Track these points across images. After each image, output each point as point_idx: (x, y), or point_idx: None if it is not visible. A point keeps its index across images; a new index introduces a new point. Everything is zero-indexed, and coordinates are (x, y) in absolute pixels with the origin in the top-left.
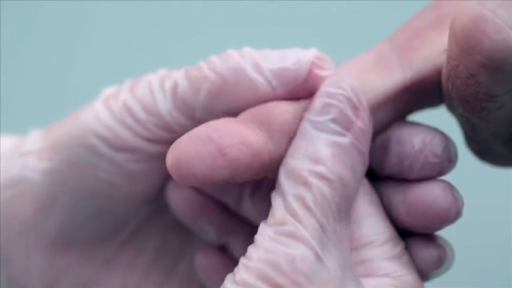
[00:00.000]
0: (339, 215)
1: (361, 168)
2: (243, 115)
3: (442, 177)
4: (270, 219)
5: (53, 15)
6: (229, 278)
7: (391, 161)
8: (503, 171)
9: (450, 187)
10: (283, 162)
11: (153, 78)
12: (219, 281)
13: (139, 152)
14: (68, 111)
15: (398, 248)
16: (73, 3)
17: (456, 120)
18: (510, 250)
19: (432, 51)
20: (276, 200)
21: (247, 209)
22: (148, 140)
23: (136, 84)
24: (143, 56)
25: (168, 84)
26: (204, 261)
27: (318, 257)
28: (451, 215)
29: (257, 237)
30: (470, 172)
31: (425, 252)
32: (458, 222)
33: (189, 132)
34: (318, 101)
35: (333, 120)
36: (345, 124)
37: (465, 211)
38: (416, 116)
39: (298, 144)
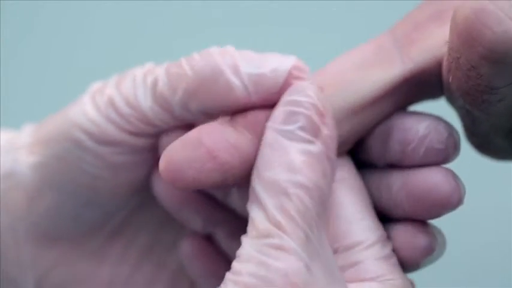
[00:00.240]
0: (319, 222)
1: (332, 174)
2: (233, 118)
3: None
4: (251, 232)
5: (53, 15)
6: None
7: (392, 148)
8: (503, 171)
9: (452, 173)
10: (256, 173)
11: (138, 73)
12: (204, 269)
13: (123, 145)
14: None
15: (387, 249)
16: (73, 3)
17: (456, 112)
18: (510, 250)
19: (432, 43)
20: (256, 212)
21: (235, 200)
22: (132, 133)
23: (122, 79)
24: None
25: (150, 80)
26: (189, 249)
27: (308, 268)
28: (453, 201)
29: (241, 251)
30: (470, 172)
31: (416, 239)
32: (458, 222)
33: (181, 137)
34: (284, 109)
35: (302, 128)
36: (313, 131)
37: (465, 211)
38: (416, 108)
39: (270, 154)
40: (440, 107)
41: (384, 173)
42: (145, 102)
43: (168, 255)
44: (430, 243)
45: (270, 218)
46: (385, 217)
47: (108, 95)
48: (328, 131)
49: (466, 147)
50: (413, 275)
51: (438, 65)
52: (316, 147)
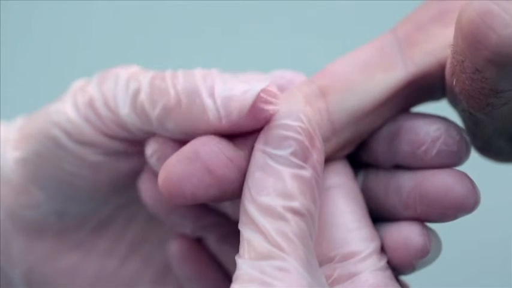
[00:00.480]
0: (312, 244)
1: (319, 197)
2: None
3: None
4: (250, 253)
5: (53, 15)
6: None
7: (401, 149)
8: (504, 171)
9: (467, 176)
10: (248, 195)
11: (121, 75)
12: (192, 271)
13: (99, 146)
14: None
15: (383, 261)
16: (73, 3)
17: (458, 115)
18: (510, 250)
19: (435, 46)
20: (253, 234)
21: (226, 205)
22: (108, 136)
23: (105, 79)
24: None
25: (133, 87)
26: (177, 250)
27: (311, 287)
28: (469, 204)
29: (240, 272)
30: (470, 172)
31: (410, 241)
32: (458, 222)
33: (177, 152)
34: (275, 133)
35: (294, 154)
36: (304, 156)
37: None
38: (417, 110)
39: (263, 179)
40: (440, 109)
41: (392, 174)
42: (124, 109)
43: (156, 250)
44: (425, 245)
45: (271, 241)
46: (377, 217)
47: (89, 94)
48: (317, 155)
49: None
50: (411, 275)
51: (441, 68)
52: (307, 173)
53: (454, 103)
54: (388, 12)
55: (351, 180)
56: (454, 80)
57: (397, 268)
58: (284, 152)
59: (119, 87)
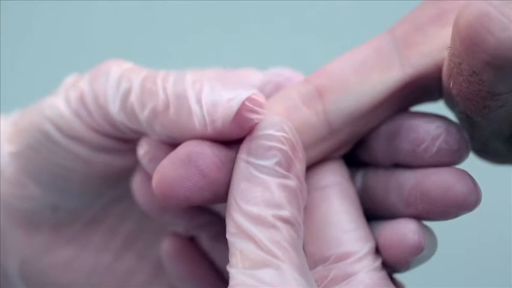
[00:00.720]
0: (301, 251)
1: (304, 205)
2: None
3: None
4: (243, 262)
5: (53, 15)
6: None
7: (401, 148)
8: (503, 171)
9: (468, 174)
10: (235, 205)
11: (113, 73)
12: (184, 270)
13: (89, 141)
14: None
15: (378, 261)
16: (73, 3)
17: (455, 117)
18: (510, 250)
19: (432, 47)
20: (245, 244)
21: (219, 204)
22: (97, 132)
23: (97, 75)
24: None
25: (123, 87)
26: (170, 249)
27: None
28: (470, 202)
29: (235, 282)
30: (470, 171)
31: (405, 238)
32: (458, 222)
33: (170, 154)
34: (259, 143)
35: (278, 164)
36: (288, 166)
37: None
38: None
39: (250, 189)
40: (439, 108)
41: (392, 172)
42: (114, 107)
43: (150, 245)
44: (420, 242)
45: (265, 249)
46: (376, 216)
47: (80, 90)
48: (300, 165)
49: None
50: (411, 275)
51: (438, 69)
52: (292, 182)
53: (451, 105)
54: (387, 12)
55: (347, 180)
56: (451, 82)
57: (392, 266)
58: (269, 162)
59: (109, 85)
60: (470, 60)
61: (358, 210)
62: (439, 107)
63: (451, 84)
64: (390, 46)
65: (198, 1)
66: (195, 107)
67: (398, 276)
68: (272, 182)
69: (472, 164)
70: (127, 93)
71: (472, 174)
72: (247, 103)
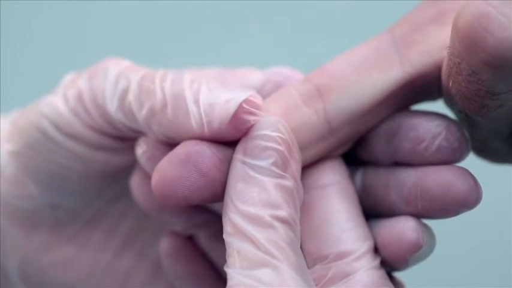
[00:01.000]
0: (299, 250)
1: (300, 205)
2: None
3: None
4: (242, 263)
5: (53, 15)
6: None
7: (401, 146)
8: (503, 171)
9: (469, 172)
10: (232, 206)
11: (111, 71)
12: (183, 269)
13: (87, 140)
14: None
15: (377, 260)
16: (73, 3)
17: (455, 116)
18: (510, 250)
19: (432, 46)
20: (242, 244)
21: (217, 203)
22: (95, 130)
23: (95, 73)
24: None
25: (121, 86)
26: (168, 248)
27: None
28: (471, 200)
29: (234, 282)
30: (470, 170)
31: (403, 235)
32: (458, 222)
33: (169, 154)
34: (255, 143)
35: (274, 164)
36: (284, 166)
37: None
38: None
39: (246, 189)
40: (439, 107)
41: (392, 170)
42: (112, 106)
43: (150, 244)
44: (418, 240)
45: (263, 249)
46: (376, 214)
47: (78, 88)
48: (296, 165)
49: None
50: (411, 274)
51: (437, 69)
52: (288, 182)
53: (450, 104)
54: (386, 12)
55: (346, 179)
56: (450, 81)
57: (391, 264)
58: (265, 163)
59: (107, 83)
60: (470, 60)
61: (357, 209)
62: (438, 106)
63: (450, 84)
64: (390, 45)
65: (198, 1)
66: (192, 107)
67: (398, 275)
68: (268, 182)
69: (472, 163)
70: (125, 92)
71: (474, 173)
72: (244, 105)
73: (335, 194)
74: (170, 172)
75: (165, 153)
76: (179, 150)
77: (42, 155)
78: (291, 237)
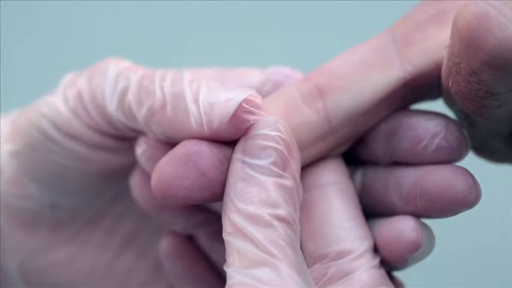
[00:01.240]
0: (299, 249)
1: (299, 204)
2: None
3: None
4: (241, 262)
5: (53, 15)
6: None
7: (400, 145)
8: (503, 171)
9: (468, 171)
10: (231, 205)
11: (111, 71)
12: (183, 269)
13: (87, 140)
14: None
15: (376, 259)
16: (73, 3)
17: (455, 115)
18: (510, 250)
19: (432, 46)
20: (242, 243)
21: (217, 203)
22: (95, 130)
23: (95, 73)
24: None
25: (121, 85)
26: (168, 248)
27: None
28: (470, 200)
29: (233, 281)
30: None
31: (402, 234)
32: (458, 222)
33: (169, 153)
34: (254, 143)
35: (274, 163)
36: (283, 165)
37: (466, 211)
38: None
39: (246, 189)
40: (438, 106)
41: (391, 170)
42: (111, 106)
43: (150, 244)
44: (417, 239)
45: (261, 248)
46: (376, 214)
47: (78, 88)
48: (295, 165)
49: None
50: (411, 274)
51: (437, 68)
52: (288, 182)
53: (450, 103)
54: (386, 12)
55: (346, 178)
56: (450, 81)
57: (390, 263)
58: (264, 162)
59: (107, 83)
60: (469, 60)
61: (357, 209)
62: (438, 106)
63: (450, 83)
64: (390, 45)
65: (198, 1)
66: (192, 106)
67: (397, 275)
68: (268, 181)
69: (472, 162)
70: (124, 92)
71: (474, 173)
72: (244, 104)
73: (335, 193)
74: (170, 171)
75: (164, 153)
76: (179, 149)
77: (42, 155)
78: (291, 237)
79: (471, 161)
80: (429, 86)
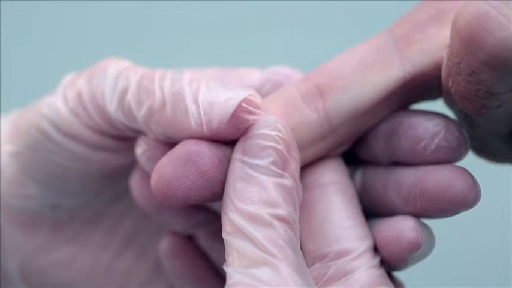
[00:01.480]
0: (299, 249)
1: (299, 204)
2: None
3: None
4: (241, 261)
5: (53, 15)
6: None
7: (400, 145)
8: (503, 171)
9: (468, 171)
10: (231, 205)
11: (110, 72)
12: (183, 269)
13: (87, 140)
14: None
15: (376, 259)
16: (73, 3)
17: (455, 115)
18: (510, 250)
19: (432, 46)
20: (242, 243)
21: (216, 202)
22: (95, 130)
23: (94, 74)
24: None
25: (121, 85)
26: (168, 248)
27: None
28: (470, 199)
29: (233, 281)
30: (470, 170)
31: (402, 234)
32: (458, 222)
33: (169, 153)
34: (254, 142)
35: (273, 163)
36: (283, 165)
37: (465, 211)
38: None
39: (245, 188)
40: (438, 106)
41: (391, 170)
42: (111, 106)
43: (150, 244)
44: (417, 239)
45: (261, 248)
46: (375, 214)
47: (78, 88)
48: (295, 165)
49: None
50: (410, 274)
51: (437, 68)
52: (288, 181)
53: (450, 103)
54: (386, 12)
55: (346, 178)
56: (450, 81)
57: (390, 263)
58: (264, 162)
59: (107, 83)
60: (469, 60)
61: (357, 208)
62: (438, 106)
63: (450, 83)
64: (390, 44)
65: (198, 1)
66: (191, 106)
67: (397, 275)
68: (268, 181)
69: (472, 162)
70: (124, 92)
71: (474, 173)
72: (243, 104)
73: (335, 193)
74: (170, 171)
75: (164, 153)
76: (179, 149)
77: (42, 155)
78: (290, 236)
79: (471, 161)
80: (429, 86)
